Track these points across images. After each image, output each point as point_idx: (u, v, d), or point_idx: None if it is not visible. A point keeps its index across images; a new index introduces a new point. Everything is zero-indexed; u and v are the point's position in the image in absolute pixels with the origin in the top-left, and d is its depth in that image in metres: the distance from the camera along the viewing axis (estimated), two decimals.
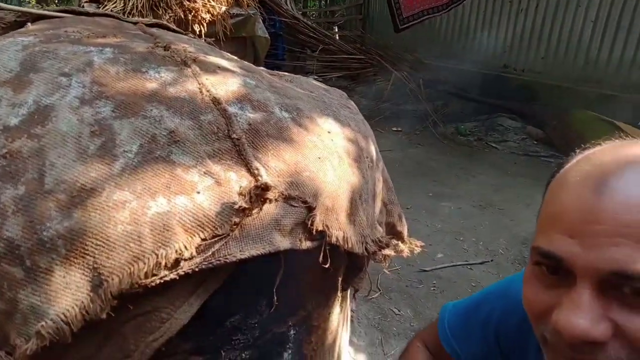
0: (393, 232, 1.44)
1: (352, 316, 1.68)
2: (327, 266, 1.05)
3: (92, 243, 0.79)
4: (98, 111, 0.95)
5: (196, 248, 0.85)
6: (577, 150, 0.56)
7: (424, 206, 3.06)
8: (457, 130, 4.88)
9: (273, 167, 0.94)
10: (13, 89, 0.98)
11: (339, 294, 1.30)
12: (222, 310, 0.99)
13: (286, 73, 1.54)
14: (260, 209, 0.89)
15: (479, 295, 0.88)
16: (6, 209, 0.79)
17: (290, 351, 1.18)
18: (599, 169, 0.46)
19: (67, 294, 0.77)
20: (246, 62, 1.43)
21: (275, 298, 1.05)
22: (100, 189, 0.83)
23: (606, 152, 0.49)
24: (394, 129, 4.71)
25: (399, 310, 1.91)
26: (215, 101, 1.05)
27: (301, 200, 0.95)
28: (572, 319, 0.43)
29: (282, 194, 0.92)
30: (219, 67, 1.19)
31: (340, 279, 1.27)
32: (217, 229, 0.85)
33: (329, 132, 1.16)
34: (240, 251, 0.86)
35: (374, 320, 1.82)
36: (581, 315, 0.43)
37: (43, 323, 0.75)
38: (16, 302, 0.77)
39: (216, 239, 0.85)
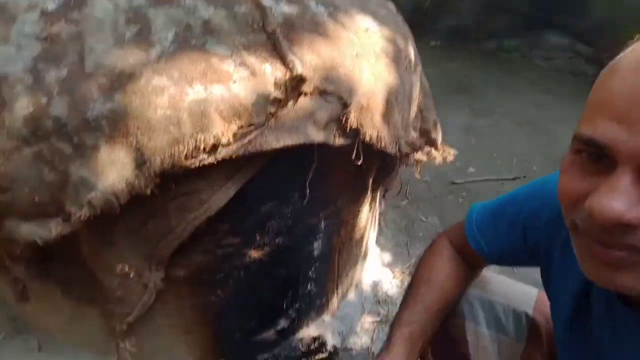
0: (427, 138, 1.43)
1: (379, 219, 1.74)
2: (359, 164, 1.07)
3: (134, 125, 0.82)
4: None
5: (233, 135, 0.87)
6: (634, 39, 0.52)
7: (459, 122, 2.99)
8: (499, 46, 4.61)
9: (308, 61, 0.93)
10: None
11: (369, 193, 1.34)
12: (257, 197, 1.05)
13: None
14: (295, 102, 0.89)
15: (509, 195, 0.88)
16: (52, 90, 0.83)
17: (320, 241, 1.25)
18: None
19: (113, 170, 0.83)
20: None
21: (308, 191, 1.10)
22: (139, 74, 0.84)
23: None
24: (432, 43, 4.46)
25: (427, 218, 1.96)
26: None
27: (336, 95, 0.95)
28: (608, 201, 0.43)
29: (317, 88, 0.92)
30: None
31: (371, 179, 1.30)
32: (252, 117, 0.87)
33: (366, 30, 1.13)
34: (275, 140, 0.88)
35: (401, 225, 1.88)
36: (618, 198, 0.43)
37: (93, 194, 0.82)
38: (68, 175, 0.83)
39: (252, 127, 0.88)
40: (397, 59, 1.13)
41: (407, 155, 1.20)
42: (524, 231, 0.81)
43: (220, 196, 0.94)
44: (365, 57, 1.05)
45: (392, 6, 1.39)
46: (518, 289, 1.00)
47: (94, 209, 0.83)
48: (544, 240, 0.78)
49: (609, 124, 0.45)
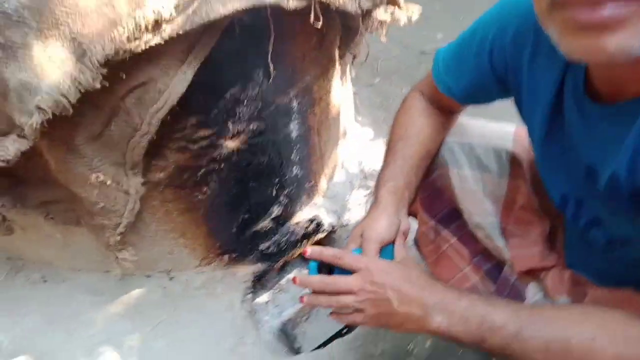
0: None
1: (354, 98, 1.70)
2: (319, 28, 1.00)
3: (62, 12, 0.74)
4: None
5: (175, 8, 0.79)
6: None
7: None
8: None
9: None
10: None
11: (337, 65, 1.28)
12: (218, 81, 0.99)
13: None
14: None
15: (471, 28, 0.84)
16: None
17: (296, 122, 1.21)
18: None
19: (53, 67, 0.76)
20: None
21: (272, 66, 1.04)
22: None
23: None
24: None
25: (402, 90, 1.92)
26: None
27: None
28: None
29: None
30: None
31: (336, 48, 1.24)
32: None
33: None
34: (222, 6, 0.81)
35: (376, 102, 1.84)
36: None
37: (39, 97, 0.75)
38: (5, 82, 0.76)
39: None
40: None
41: (368, 13, 1.13)
42: (490, 56, 0.78)
43: (178, 83, 0.88)
44: None
45: None
46: (495, 128, 1.00)
47: (45, 112, 0.77)
48: (511, 59, 0.76)
49: None
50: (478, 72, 0.82)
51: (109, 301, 1.32)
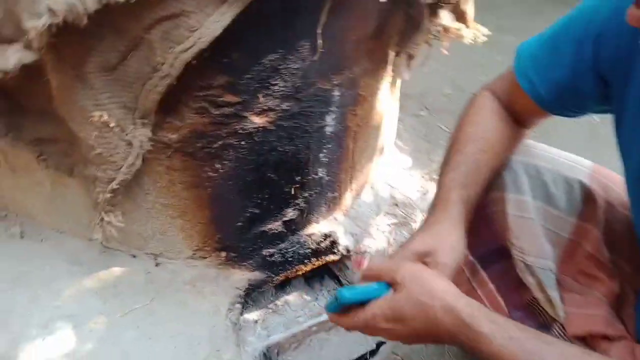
0: (457, 12, 1.24)
1: (397, 124, 1.57)
2: (381, 12, 0.89)
3: None
4: None
5: None
6: None
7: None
8: None
9: None
10: None
11: (390, 67, 1.16)
12: (258, 39, 0.88)
13: None
14: None
15: (574, 11, 0.70)
16: None
17: (333, 115, 1.08)
18: None
19: None
20: None
21: (320, 41, 0.92)
22: None
23: None
24: None
25: (448, 128, 1.78)
26: None
27: None
28: None
29: None
30: None
31: (392, 47, 1.12)
32: None
33: None
34: None
35: (421, 133, 1.71)
36: None
37: None
38: None
39: None
40: None
41: (435, 8, 1.01)
42: (596, 45, 0.63)
43: (213, 23, 0.77)
44: None
45: None
46: (569, 157, 0.83)
47: (55, 15, 0.66)
48: (626, 52, 0.60)
49: None
50: (575, 65, 0.66)
51: (85, 273, 1.17)
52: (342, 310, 0.61)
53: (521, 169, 0.80)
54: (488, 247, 0.85)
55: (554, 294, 0.74)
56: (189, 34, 0.77)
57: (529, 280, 0.77)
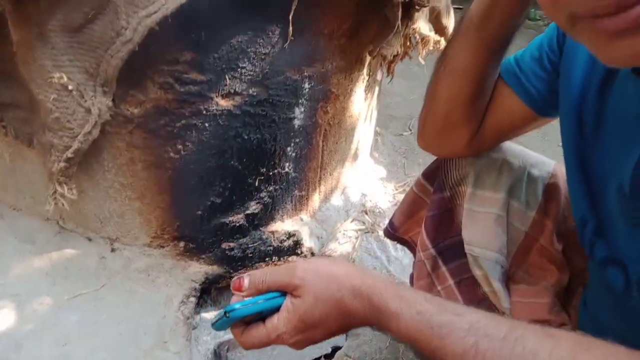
0: (436, 24, 1.26)
1: (376, 137, 1.57)
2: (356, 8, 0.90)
3: None
4: None
5: None
6: None
7: None
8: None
9: None
10: None
11: (365, 70, 1.17)
12: (229, 23, 0.88)
13: None
14: None
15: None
16: None
17: (302, 108, 1.08)
18: None
19: None
20: None
21: (291, 28, 0.93)
22: None
23: None
24: (454, 6, 4.29)
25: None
26: None
27: None
28: None
29: None
30: None
31: (367, 50, 1.13)
32: None
33: None
34: None
35: (400, 149, 1.70)
36: None
37: None
38: None
39: None
40: None
41: (410, 9, 1.03)
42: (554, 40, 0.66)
43: None
44: None
45: None
46: (533, 155, 0.83)
47: None
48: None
49: None
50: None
51: (37, 253, 1.13)
52: (234, 326, 0.55)
53: (488, 163, 0.79)
54: (450, 241, 0.83)
55: (498, 285, 0.72)
56: None
57: (477, 272, 0.76)
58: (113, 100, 0.89)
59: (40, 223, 1.16)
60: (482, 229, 0.78)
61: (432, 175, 0.88)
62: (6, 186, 1.13)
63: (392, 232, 0.96)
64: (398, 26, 1.03)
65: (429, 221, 0.85)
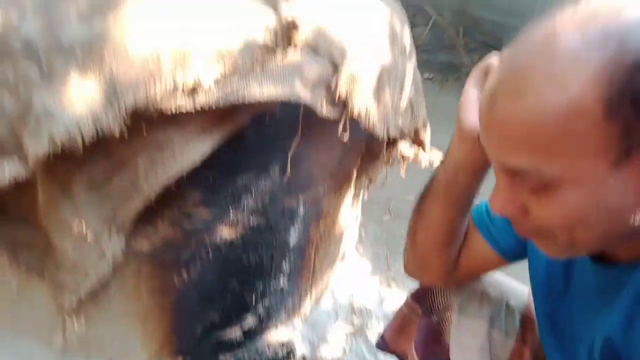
0: (416, 139, 1.39)
1: (360, 229, 1.67)
2: (345, 140, 1.02)
3: (110, 54, 0.76)
4: None
5: (215, 81, 0.81)
6: None
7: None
8: None
9: (302, 15, 0.89)
10: None
11: (352, 185, 1.28)
12: (234, 162, 0.98)
13: None
14: (285, 51, 0.85)
15: None
16: (25, 9, 0.76)
17: (297, 230, 1.17)
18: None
19: (81, 102, 0.75)
20: None
21: (289, 165, 1.03)
22: (121, 4, 0.79)
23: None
24: (426, 76, 4.52)
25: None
26: None
27: (327, 54, 0.91)
28: (492, 200, 0.52)
29: (308, 43, 0.88)
30: None
31: (355, 168, 1.24)
32: (238, 62, 0.82)
33: (365, 2, 1.10)
34: (259, 89, 0.83)
35: (382, 238, 1.80)
36: (496, 196, 0.52)
37: (56, 126, 0.74)
38: (30, 104, 0.75)
39: (236, 74, 0.82)
40: (392, 38, 1.10)
41: (394, 142, 1.16)
42: None
43: (194, 149, 0.86)
44: (361, 28, 1.02)
45: None
46: (512, 284, 0.93)
47: (55, 144, 0.74)
48: None
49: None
50: None
51: None
52: None
53: (470, 293, 0.88)
54: None
55: None
56: (172, 159, 0.86)
57: None
58: (125, 239, 0.95)
59: (42, 347, 1.17)
60: (464, 358, 0.86)
61: (420, 296, 0.97)
62: (7, 311, 1.14)
63: (384, 346, 1.03)
64: (382, 155, 1.15)
65: (420, 345, 0.93)
